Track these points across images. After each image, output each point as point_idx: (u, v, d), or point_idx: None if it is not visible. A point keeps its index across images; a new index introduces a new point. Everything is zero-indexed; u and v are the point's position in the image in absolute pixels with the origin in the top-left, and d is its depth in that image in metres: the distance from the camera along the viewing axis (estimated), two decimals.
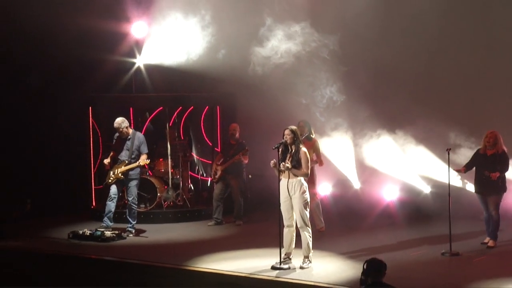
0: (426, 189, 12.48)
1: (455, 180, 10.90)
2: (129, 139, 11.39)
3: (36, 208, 12.94)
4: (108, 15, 13.25)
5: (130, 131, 11.47)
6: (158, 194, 12.58)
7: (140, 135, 11.54)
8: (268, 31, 12.19)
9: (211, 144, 13.66)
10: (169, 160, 13.01)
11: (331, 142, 12.58)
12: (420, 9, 12.11)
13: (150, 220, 12.48)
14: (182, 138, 13.74)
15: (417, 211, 12.51)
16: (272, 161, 9.29)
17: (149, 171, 13.09)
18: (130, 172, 11.29)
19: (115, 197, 11.44)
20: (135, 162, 11.29)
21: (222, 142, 13.22)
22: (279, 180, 9.27)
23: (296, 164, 9.17)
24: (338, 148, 12.72)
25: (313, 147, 11.43)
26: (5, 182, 12.59)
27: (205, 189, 13.80)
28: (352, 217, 12.55)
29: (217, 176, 12.37)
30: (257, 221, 12.64)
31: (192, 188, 13.51)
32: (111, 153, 11.58)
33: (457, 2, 12.19)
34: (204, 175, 13.91)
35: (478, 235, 10.66)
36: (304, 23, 12.12)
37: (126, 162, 11.29)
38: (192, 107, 13.76)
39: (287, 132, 9.28)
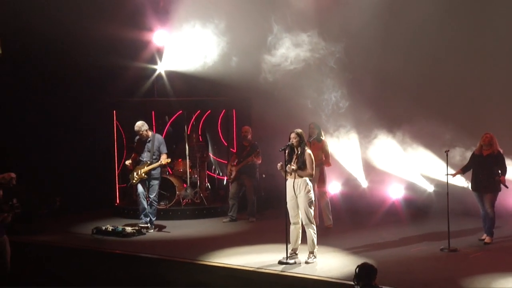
0: (430, 188, 12.58)
1: (458, 179, 11.04)
2: (149, 141, 11.59)
3: (65, 206, 13.16)
4: (131, 24, 13.42)
5: (150, 133, 11.69)
6: (177, 193, 12.78)
7: (159, 137, 11.76)
8: (277, 39, 12.36)
9: (226, 145, 13.78)
10: (188, 160, 13.22)
11: (339, 144, 12.71)
12: (421, 20, 12.14)
13: (169, 217, 12.65)
14: (201, 140, 13.95)
15: (421, 209, 12.64)
16: (279, 164, 9.50)
17: (169, 170, 13.26)
18: (152, 172, 11.52)
19: (144, 195, 11.68)
20: (156, 162, 11.51)
21: (237, 143, 13.40)
22: (286, 180, 9.47)
23: (302, 165, 9.33)
24: (346, 149, 12.86)
25: (322, 148, 11.64)
26: (36, 181, 12.68)
27: (221, 188, 14.00)
28: (359, 215, 12.65)
29: (232, 176, 12.56)
30: (269, 218, 12.74)
31: (209, 186, 13.70)
32: (133, 155, 11.76)
33: (456, 12, 12.21)
34: (221, 174, 14.11)
35: (476, 231, 10.73)
36: (311, 32, 12.29)
37: (148, 162, 11.51)
38: (210, 110, 13.94)
39: (293, 135, 9.46)
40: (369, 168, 13.09)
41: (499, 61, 12.07)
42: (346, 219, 12.40)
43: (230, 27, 12.77)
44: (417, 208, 12.68)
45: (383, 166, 12.86)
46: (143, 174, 11.51)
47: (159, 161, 11.50)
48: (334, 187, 13.33)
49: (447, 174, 10.11)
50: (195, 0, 12.88)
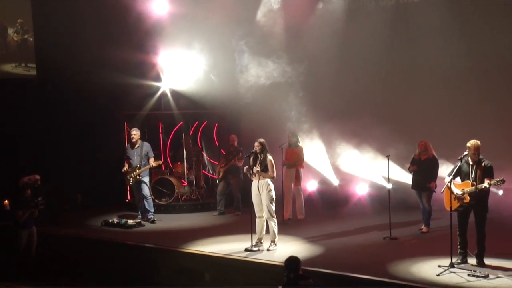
0: (388, 186, 12.97)
1: (408, 178, 11.48)
2: (138, 147, 12.16)
3: (85, 202, 13.92)
4: (139, 48, 14.05)
5: (139, 141, 12.21)
6: (176, 191, 13.37)
7: (146, 144, 12.25)
8: (248, 61, 12.97)
9: (218, 145, 14.30)
10: (185, 163, 13.87)
11: (311, 150, 13.18)
12: (372, 43, 12.69)
13: (169, 211, 13.14)
14: (200, 146, 14.57)
15: (381, 204, 13.04)
16: (245, 168, 10.15)
17: (173, 168, 13.84)
18: (142, 173, 12.08)
19: (140, 197, 12.33)
20: (145, 165, 12.05)
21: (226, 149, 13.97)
22: (251, 181, 10.07)
23: (264, 169, 9.86)
24: (317, 154, 13.36)
25: (298, 153, 12.20)
26: (61, 181, 13.15)
27: (216, 186, 14.56)
28: (329, 209, 13.02)
29: (220, 176, 13.17)
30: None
31: (204, 185, 14.29)
32: (126, 162, 12.27)
33: (397, 37, 12.77)
34: (214, 174, 14.73)
35: (418, 223, 11.04)
36: (278, 53, 12.87)
37: (139, 166, 12.06)
38: (207, 121, 14.53)
39: (256, 144, 10.02)
40: (338, 170, 13.51)
41: (434, 80, 12.55)
42: (317, 213, 12.76)
43: (205, 48, 13.32)
44: (379, 203, 13.06)
45: (350, 168, 13.27)
46: (137, 176, 12.09)
47: (150, 164, 12.02)
48: (311, 185, 13.84)
49: (389, 172, 10.53)
50: (181, 26, 13.44)
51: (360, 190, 13.29)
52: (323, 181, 13.84)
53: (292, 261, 7.21)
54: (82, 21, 13.90)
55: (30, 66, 14.27)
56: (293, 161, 12.00)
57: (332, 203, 13.34)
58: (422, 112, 12.45)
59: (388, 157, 10.53)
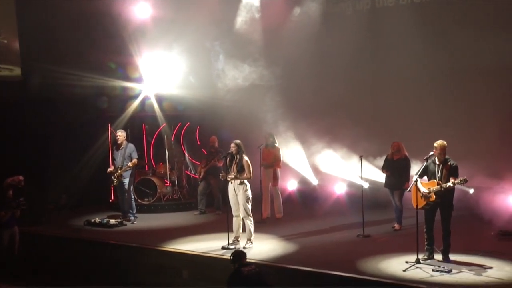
0: (365, 185, 13.25)
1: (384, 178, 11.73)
2: (122, 148, 12.37)
3: (69, 202, 13.82)
4: (122, 51, 14.22)
5: (125, 142, 12.42)
6: (158, 191, 13.59)
7: (131, 145, 12.41)
8: (226, 63, 13.24)
9: (200, 147, 14.51)
10: (167, 163, 14.10)
11: (290, 150, 13.46)
12: (346, 46, 12.98)
13: (151, 211, 13.32)
14: (182, 147, 14.81)
15: (359, 202, 13.31)
16: (220, 175, 10.38)
17: (156, 169, 14.04)
18: (124, 174, 12.29)
19: (122, 199, 12.53)
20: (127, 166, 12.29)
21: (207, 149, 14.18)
22: (228, 182, 10.28)
23: (240, 169, 10.09)
24: (296, 154, 13.59)
25: (275, 153, 12.47)
26: (45, 181, 13.36)
27: (197, 186, 14.80)
28: (308, 208, 13.25)
29: (201, 176, 13.39)
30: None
31: (187, 185, 14.50)
32: (112, 163, 12.52)
33: (375, 39, 13.16)
34: (196, 174, 14.93)
35: (392, 221, 11.29)
36: (253, 57, 13.16)
37: (120, 166, 12.25)
38: (189, 123, 14.71)
39: (232, 145, 10.27)
40: (317, 169, 13.75)
41: (405, 83, 12.91)
42: (296, 212, 12.97)
43: (185, 52, 13.56)
44: (356, 202, 13.28)
45: (327, 168, 13.53)
46: (120, 177, 12.30)
47: (127, 165, 12.20)
48: (291, 185, 14.08)
49: (361, 172, 10.81)
50: (162, 29, 13.68)
51: (338, 189, 13.51)
52: (303, 181, 14.07)
53: (236, 254, 7.93)
54: (66, 24, 14.01)
55: (14, 68, 14.43)
56: (271, 161, 12.26)
57: (311, 202, 13.56)
58: (395, 113, 12.77)
59: (361, 157, 10.79)
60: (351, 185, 13.42)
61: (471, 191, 11.57)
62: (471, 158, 10.86)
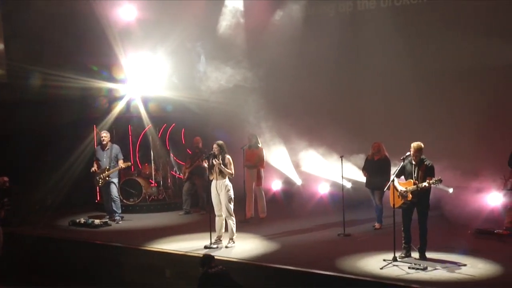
0: (348, 185, 13.43)
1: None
2: (108, 149, 12.52)
3: (55, 203, 13.84)
4: (107, 53, 14.33)
5: (109, 143, 12.56)
6: (144, 191, 13.74)
7: (116, 146, 12.57)
8: (209, 66, 13.40)
9: (184, 146, 14.64)
10: (153, 164, 14.23)
11: (273, 151, 13.60)
12: (331, 46, 13.25)
13: (137, 211, 13.47)
14: (168, 147, 14.94)
15: (341, 202, 13.49)
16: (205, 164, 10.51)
17: (141, 169, 14.19)
18: (111, 175, 12.46)
19: (108, 198, 12.63)
20: (114, 167, 12.41)
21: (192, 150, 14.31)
22: (211, 181, 10.44)
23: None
24: (280, 155, 13.74)
25: (258, 153, 12.62)
26: (30, 181, 13.41)
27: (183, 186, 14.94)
28: (292, 207, 13.38)
29: (185, 177, 13.55)
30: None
31: (172, 185, 14.60)
32: (95, 163, 12.62)
33: (356, 41, 13.40)
34: (181, 174, 15.07)
35: (373, 220, 11.46)
36: (236, 58, 13.33)
37: (108, 167, 12.44)
38: (174, 124, 14.87)
39: (214, 146, 10.43)
40: (300, 170, 13.89)
41: (384, 84, 13.20)
42: (280, 211, 13.10)
43: (173, 53, 13.73)
44: (339, 201, 13.44)
45: (310, 168, 13.67)
46: (106, 178, 12.46)
47: (119, 166, 12.38)
48: (276, 185, 14.23)
49: (342, 172, 11.00)
50: (147, 31, 13.88)
51: (322, 189, 13.65)
52: (287, 181, 14.22)
53: (204, 257, 8.23)
54: (52, 26, 14.16)
55: None
56: (254, 162, 12.40)
57: (295, 202, 13.71)
58: (376, 114, 13.02)
59: (341, 157, 10.97)
60: (334, 185, 13.56)
61: (451, 190, 11.78)
62: (450, 158, 11.08)
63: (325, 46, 13.13)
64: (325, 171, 13.48)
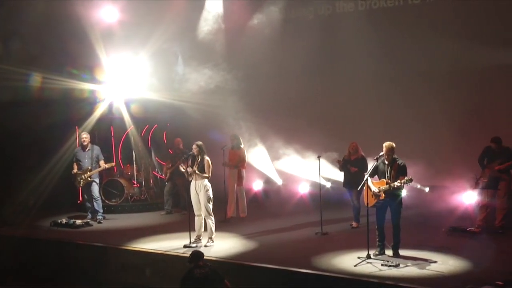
0: (328, 185, 13.69)
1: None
2: (89, 150, 12.66)
3: (37, 204, 13.85)
4: (89, 54, 14.39)
5: (90, 144, 12.70)
6: (126, 191, 13.90)
7: (96, 147, 12.73)
8: (188, 68, 13.58)
9: (166, 147, 14.79)
10: (135, 165, 14.40)
11: (254, 151, 13.79)
12: (310, 48, 13.48)
13: (119, 211, 13.62)
14: (150, 147, 15.10)
15: (322, 201, 13.69)
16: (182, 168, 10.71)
17: (124, 170, 14.34)
18: (93, 175, 12.64)
19: (90, 198, 12.74)
20: (96, 167, 12.56)
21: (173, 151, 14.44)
22: (190, 181, 10.60)
23: (201, 170, 10.46)
24: (260, 156, 13.94)
25: (240, 154, 12.81)
26: (12, 183, 13.61)
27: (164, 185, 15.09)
28: (272, 207, 13.60)
29: (166, 177, 13.74)
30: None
31: (154, 186, 14.78)
32: (75, 164, 12.72)
33: (334, 43, 13.65)
34: (162, 174, 15.22)
35: (351, 219, 11.64)
36: (215, 61, 13.53)
37: (90, 168, 12.59)
38: (156, 125, 15.04)
39: (194, 146, 10.63)
40: (281, 170, 14.12)
41: (362, 86, 13.45)
42: (260, 211, 13.31)
43: (153, 55, 13.91)
44: (318, 201, 13.67)
45: (290, 168, 13.88)
46: (88, 178, 12.61)
47: (102, 166, 12.53)
48: (257, 185, 14.42)
49: (319, 172, 11.20)
50: (128, 32, 14.02)
51: (302, 189, 13.87)
52: (268, 181, 14.44)
53: (194, 254, 8.25)
54: (33, 26, 14.22)
55: None
56: (235, 162, 12.61)
57: (275, 202, 13.93)
58: (353, 115, 13.31)
59: (319, 157, 11.18)
60: (313, 184, 13.75)
61: (427, 189, 12.10)
62: (424, 158, 11.38)
63: (304, 48, 13.36)
64: (304, 171, 13.69)
